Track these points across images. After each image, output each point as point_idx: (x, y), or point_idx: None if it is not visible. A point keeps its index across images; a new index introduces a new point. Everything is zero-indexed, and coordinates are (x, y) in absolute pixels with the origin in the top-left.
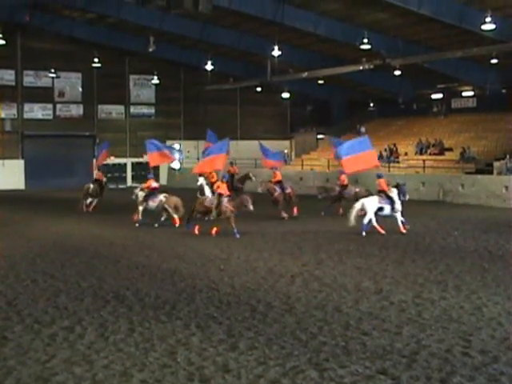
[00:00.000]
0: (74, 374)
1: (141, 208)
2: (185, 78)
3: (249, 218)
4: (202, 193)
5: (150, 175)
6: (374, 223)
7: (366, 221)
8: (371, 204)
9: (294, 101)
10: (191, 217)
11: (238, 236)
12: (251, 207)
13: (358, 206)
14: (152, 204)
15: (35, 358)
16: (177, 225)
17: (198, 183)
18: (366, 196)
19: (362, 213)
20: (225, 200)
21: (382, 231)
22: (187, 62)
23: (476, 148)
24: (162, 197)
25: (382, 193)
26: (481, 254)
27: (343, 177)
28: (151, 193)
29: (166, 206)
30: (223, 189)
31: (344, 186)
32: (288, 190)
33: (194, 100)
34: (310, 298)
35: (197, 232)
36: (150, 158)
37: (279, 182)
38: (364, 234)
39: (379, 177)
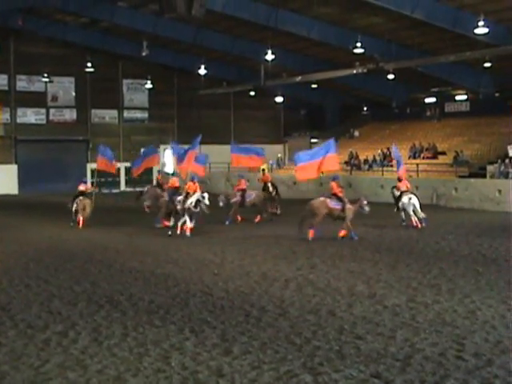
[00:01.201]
0: (68, 379)
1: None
2: (178, 83)
3: (242, 222)
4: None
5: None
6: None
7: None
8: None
9: (288, 105)
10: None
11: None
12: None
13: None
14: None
15: (29, 363)
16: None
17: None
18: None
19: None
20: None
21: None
22: (181, 66)
23: (469, 152)
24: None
25: (333, 196)
26: (474, 258)
27: (243, 181)
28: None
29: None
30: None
31: (244, 191)
32: (251, 198)
33: (187, 104)
34: (303, 302)
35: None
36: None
37: (243, 190)
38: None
39: (333, 179)
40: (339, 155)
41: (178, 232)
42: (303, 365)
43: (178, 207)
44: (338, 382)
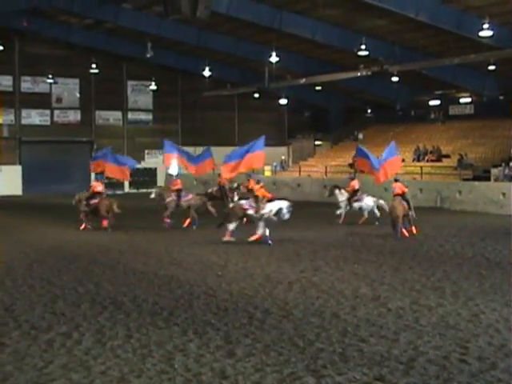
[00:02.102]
0: (71, 380)
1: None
2: (182, 84)
3: (245, 225)
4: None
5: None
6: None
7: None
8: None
9: (292, 107)
10: None
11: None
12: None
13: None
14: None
15: (32, 364)
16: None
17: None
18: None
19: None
20: None
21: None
22: (185, 68)
23: (473, 155)
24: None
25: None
26: (478, 261)
27: (178, 181)
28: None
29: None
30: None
31: (179, 191)
32: (186, 198)
33: (191, 106)
34: (307, 304)
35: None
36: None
37: (179, 190)
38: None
39: (257, 182)
40: (341, 158)
41: (252, 239)
42: (306, 367)
43: (251, 212)
44: None
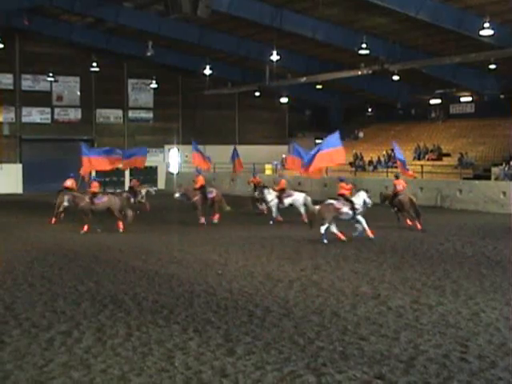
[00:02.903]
0: (72, 379)
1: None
2: (183, 83)
3: (245, 223)
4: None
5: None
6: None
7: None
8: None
9: (293, 106)
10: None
11: None
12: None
13: None
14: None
15: (32, 363)
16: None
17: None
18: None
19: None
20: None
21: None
22: (185, 66)
23: (474, 153)
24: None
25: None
26: (478, 260)
27: (200, 178)
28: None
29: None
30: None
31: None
32: (212, 195)
33: (192, 105)
34: (307, 302)
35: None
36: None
37: (202, 187)
38: None
39: (341, 180)
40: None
41: (368, 234)
42: (307, 365)
43: (346, 210)
44: (342, 382)
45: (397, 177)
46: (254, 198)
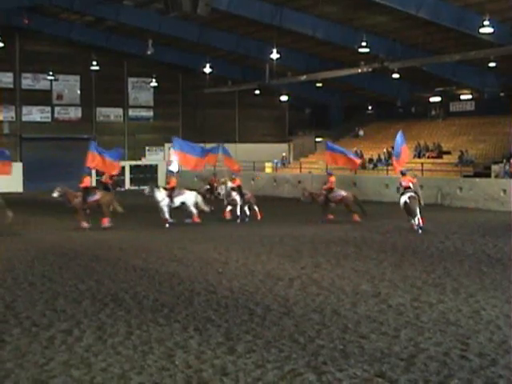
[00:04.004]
0: (72, 377)
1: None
2: (183, 81)
3: (246, 221)
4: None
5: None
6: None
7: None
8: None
9: (293, 104)
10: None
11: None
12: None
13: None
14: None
15: (33, 361)
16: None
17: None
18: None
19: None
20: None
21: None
22: (186, 64)
23: (474, 151)
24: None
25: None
26: (479, 258)
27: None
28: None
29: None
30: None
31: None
32: (96, 197)
33: (192, 103)
34: (308, 301)
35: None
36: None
37: (86, 189)
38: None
39: (402, 174)
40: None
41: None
42: (307, 364)
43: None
44: (342, 381)
45: (403, 173)
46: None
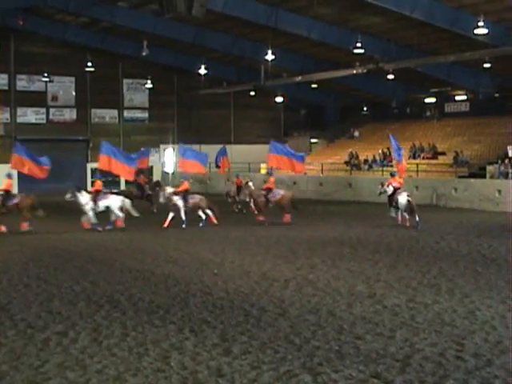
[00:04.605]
0: (68, 379)
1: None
2: (178, 83)
3: (242, 222)
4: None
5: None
6: None
7: None
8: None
9: (288, 105)
10: None
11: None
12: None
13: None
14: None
15: (28, 363)
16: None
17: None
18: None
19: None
20: None
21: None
22: (181, 66)
23: (469, 152)
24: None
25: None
26: (474, 258)
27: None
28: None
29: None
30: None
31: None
32: (15, 200)
33: (187, 104)
34: (303, 302)
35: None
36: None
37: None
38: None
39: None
40: (337, 155)
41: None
42: (303, 365)
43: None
44: (338, 382)
45: (392, 175)
46: (230, 195)
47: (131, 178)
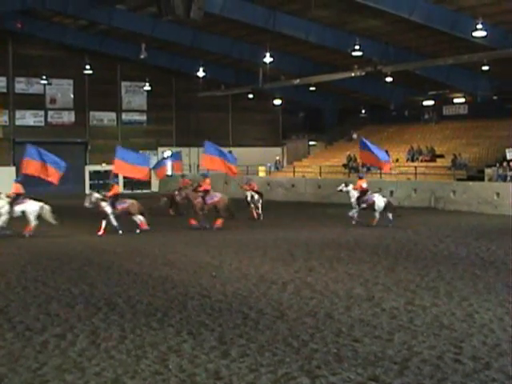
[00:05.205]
0: (66, 382)
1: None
2: (176, 85)
3: (240, 225)
4: None
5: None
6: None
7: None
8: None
9: (286, 108)
10: None
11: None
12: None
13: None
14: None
15: (26, 366)
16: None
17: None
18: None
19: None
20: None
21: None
22: (179, 68)
23: (467, 155)
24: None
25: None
26: (472, 261)
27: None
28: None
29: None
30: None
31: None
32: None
33: (185, 107)
34: (301, 304)
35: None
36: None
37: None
38: None
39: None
40: (336, 158)
41: None
42: (301, 368)
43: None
44: None
45: (360, 177)
46: (247, 201)
47: (146, 178)
